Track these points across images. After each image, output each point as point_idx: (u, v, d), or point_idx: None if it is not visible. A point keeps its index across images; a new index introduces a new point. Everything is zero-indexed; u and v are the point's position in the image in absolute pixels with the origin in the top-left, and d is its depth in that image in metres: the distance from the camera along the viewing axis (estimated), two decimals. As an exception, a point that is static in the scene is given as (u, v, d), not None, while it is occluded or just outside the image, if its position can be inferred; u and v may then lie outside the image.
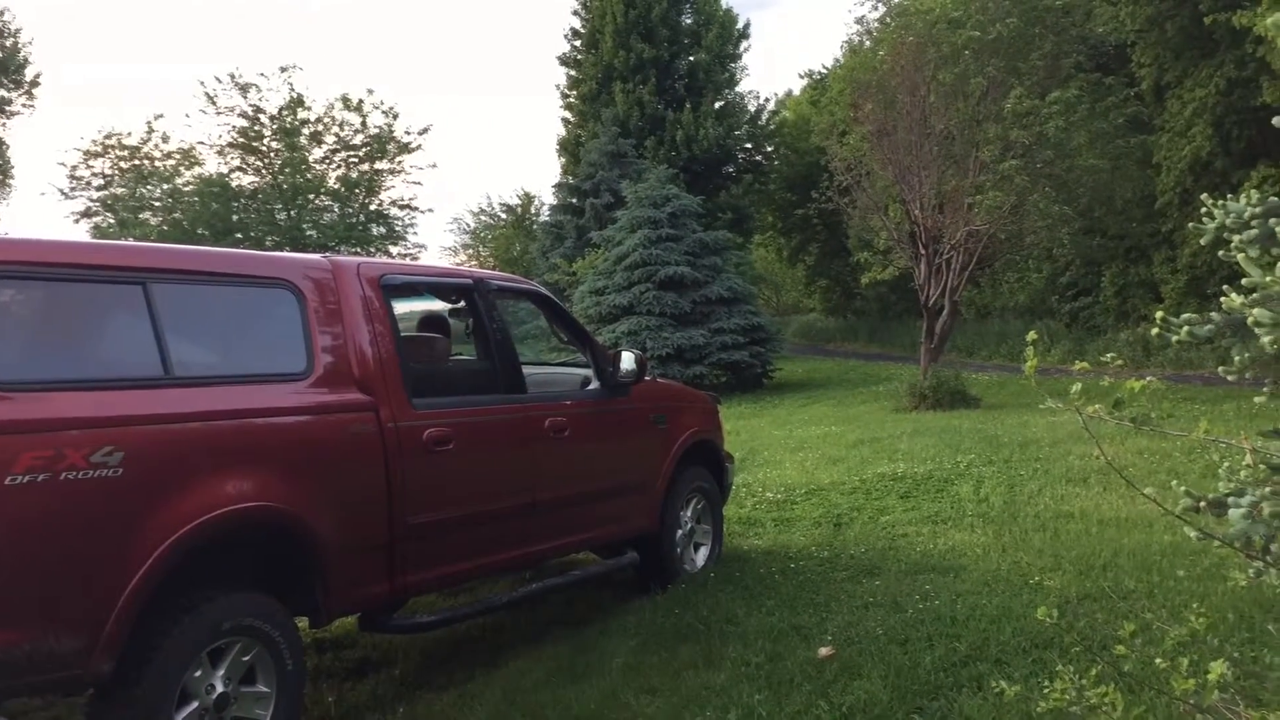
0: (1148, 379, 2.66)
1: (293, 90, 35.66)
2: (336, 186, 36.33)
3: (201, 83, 35.37)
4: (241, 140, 34.81)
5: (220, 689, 3.84)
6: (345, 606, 4.57)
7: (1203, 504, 2.74)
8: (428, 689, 5.10)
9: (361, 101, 35.96)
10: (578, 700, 4.60)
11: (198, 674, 3.77)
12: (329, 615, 4.47)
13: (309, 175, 35.55)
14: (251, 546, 4.19)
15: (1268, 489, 2.58)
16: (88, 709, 3.69)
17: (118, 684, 3.55)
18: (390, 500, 4.55)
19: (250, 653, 3.97)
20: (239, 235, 34.11)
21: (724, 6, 34.90)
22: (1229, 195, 2.89)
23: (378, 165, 36.97)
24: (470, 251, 46.83)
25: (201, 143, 39.45)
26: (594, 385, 6.18)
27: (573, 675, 4.98)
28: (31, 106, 34.70)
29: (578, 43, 35.41)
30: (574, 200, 29.72)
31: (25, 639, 3.31)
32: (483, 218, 46.33)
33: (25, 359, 3.57)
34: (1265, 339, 2.53)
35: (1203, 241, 2.93)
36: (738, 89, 35.48)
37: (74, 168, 34.45)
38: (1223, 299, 2.70)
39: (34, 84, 34.28)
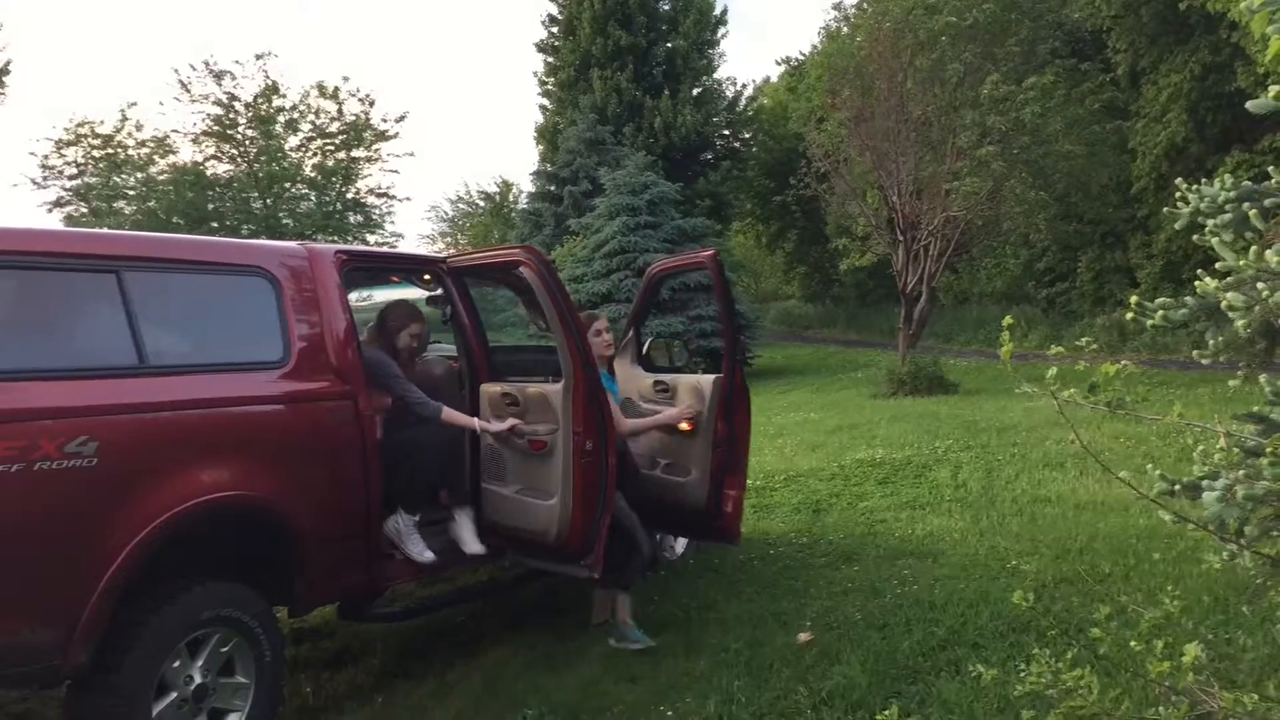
0: (1123, 363, 2.66)
1: (268, 78, 35.34)
2: (313, 175, 35.99)
3: (175, 70, 35.00)
4: (216, 128, 34.38)
5: (199, 680, 3.84)
6: (324, 596, 4.56)
7: (1178, 488, 2.76)
8: (406, 679, 5.09)
9: (337, 89, 35.66)
10: (558, 689, 4.60)
11: (176, 665, 3.77)
12: (308, 605, 4.46)
13: (285, 163, 35.16)
14: (229, 536, 4.17)
15: (1241, 472, 2.59)
16: (65, 701, 3.68)
17: (95, 675, 3.53)
18: (368, 489, 4.54)
19: (229, 643, 3.97)
20: (214, 224, 33.65)
21: (701, -7, 34.77)
22: (1204, 180, 2.90)
23: (354, 153, 36.65)
24: (449, 239, 46.67)
25: (176, 131, 38.93)
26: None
27: (553, 664, 4.98)
28: (2, 95, 34.21)
29: (555, 29, 35.16)
30: (552, 188, 29.58)
31: (0, 631, 3.28)
32: (461, 205, 46.21)
33: (-3, 349, 3.53)
34: (1239, 323, 2.55)
35: (1178, 226, 2.95)
36: (715, 76, 35.35)
37: (46, 157, 33.93)
38: (1197, 284, 2.72)
39: (4, 71, 33.81)
